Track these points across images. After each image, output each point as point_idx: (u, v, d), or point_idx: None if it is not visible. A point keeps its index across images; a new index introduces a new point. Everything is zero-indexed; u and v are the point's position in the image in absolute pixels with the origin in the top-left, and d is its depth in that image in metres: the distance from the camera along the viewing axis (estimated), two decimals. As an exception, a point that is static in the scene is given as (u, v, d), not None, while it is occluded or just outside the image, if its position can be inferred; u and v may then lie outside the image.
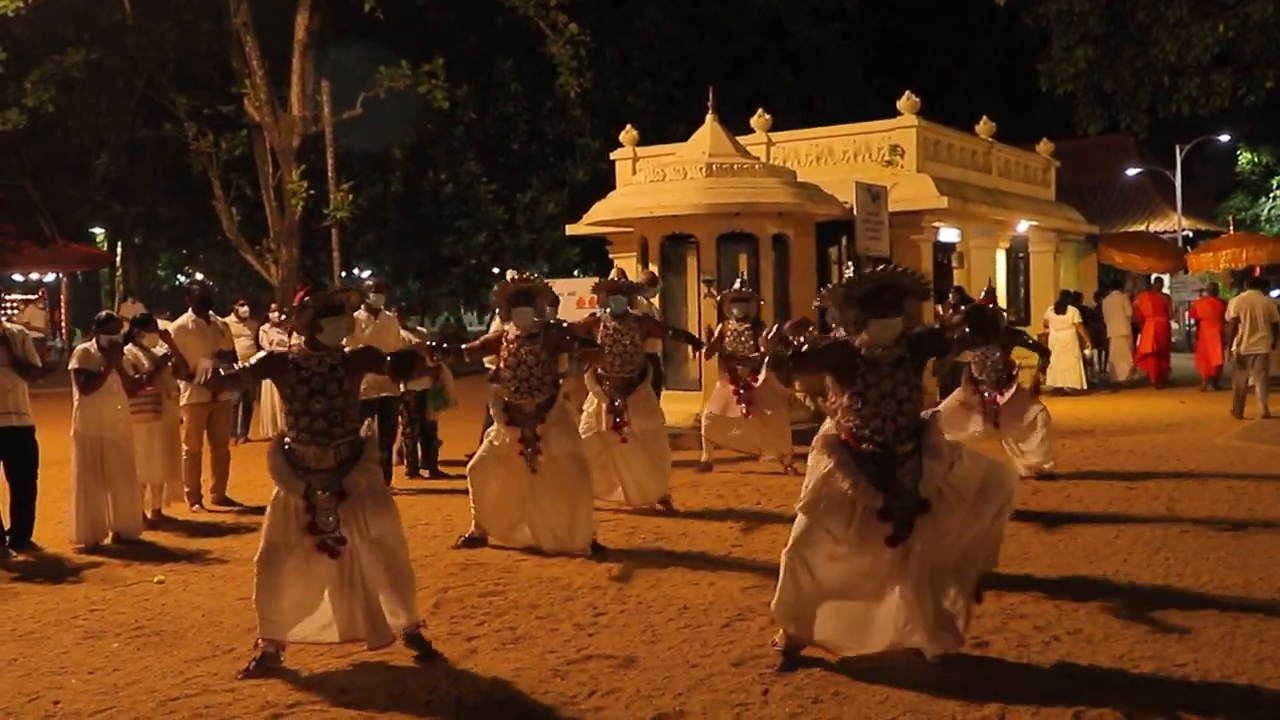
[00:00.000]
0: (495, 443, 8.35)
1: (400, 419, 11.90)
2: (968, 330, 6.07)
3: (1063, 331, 19.28)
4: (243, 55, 22.65)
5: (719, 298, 12.08)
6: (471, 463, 8.52)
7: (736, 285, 11.85)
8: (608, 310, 9.80)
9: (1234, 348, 15.76)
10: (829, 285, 6.64)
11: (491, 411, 8.48)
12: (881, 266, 5.70)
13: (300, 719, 5.13)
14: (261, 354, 6.21)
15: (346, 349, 6.03)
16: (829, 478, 5.52)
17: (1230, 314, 16.10)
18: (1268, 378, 15.60)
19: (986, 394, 10.31)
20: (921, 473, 5.47)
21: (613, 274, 11.05)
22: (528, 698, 5.32)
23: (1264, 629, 6.01)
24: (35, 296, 32.43)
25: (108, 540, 8.98)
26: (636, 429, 9.67)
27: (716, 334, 11.55)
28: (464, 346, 8.53)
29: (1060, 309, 19.58)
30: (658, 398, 12.65)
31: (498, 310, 8.93)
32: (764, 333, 6.96)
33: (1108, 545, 8.03)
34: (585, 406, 9.85)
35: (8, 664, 6.04)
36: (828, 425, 5.77)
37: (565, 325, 8.81)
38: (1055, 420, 10.99)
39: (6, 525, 8.82)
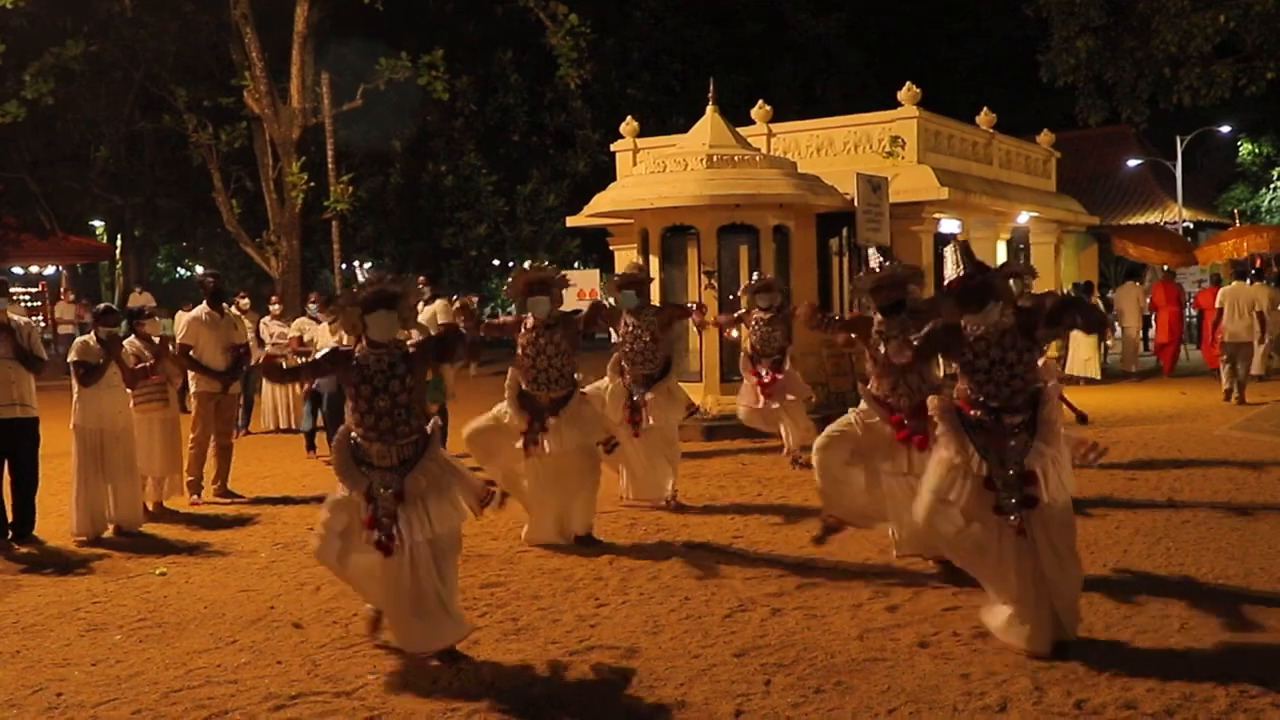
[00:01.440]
0: (504, 420, 8.24)
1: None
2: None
3: None
4: (242, 47, 22.65)
5: (739, 292, 12.05)
6: (470, 429, 8.38)
7: (756, 276, 11.80)
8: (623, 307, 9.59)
9: (1220, 337, 16.45)
10: (858, 276, 7.06)
11: (506, 396, 8.31)
12: (972, 271, 5.81)
13: (303, 710, 5.13)
14: (325, 350, 6.06)
15: (409, 344, 5.89)
16: (939, 445, 5.76)
17: (1216, 304, 16.79)
18: (1249, 366, 16.38)
19: None
20: (1029, 449, 5.58)
21: (629, 267, 10.94)
22: (530, 688, 5.32)
23: (1265, 619, 6.01)
24: (64, 290, 32.51)
25: (108, 533, 8.99)
26: (653, 424, 9.48)
27: (737, 317, 11.62)
28: (485, 322, 8.48)
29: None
30: None
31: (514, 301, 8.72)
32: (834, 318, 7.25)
33: (1109, 535, 8.04)
34: (601, 388, 9.68)
35: (11, 656, 6.05)
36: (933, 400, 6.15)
37: (577, 313, 8.67)
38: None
39: (8, 518, 8.82)
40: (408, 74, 22.89)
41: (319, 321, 13.75)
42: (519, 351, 8.22)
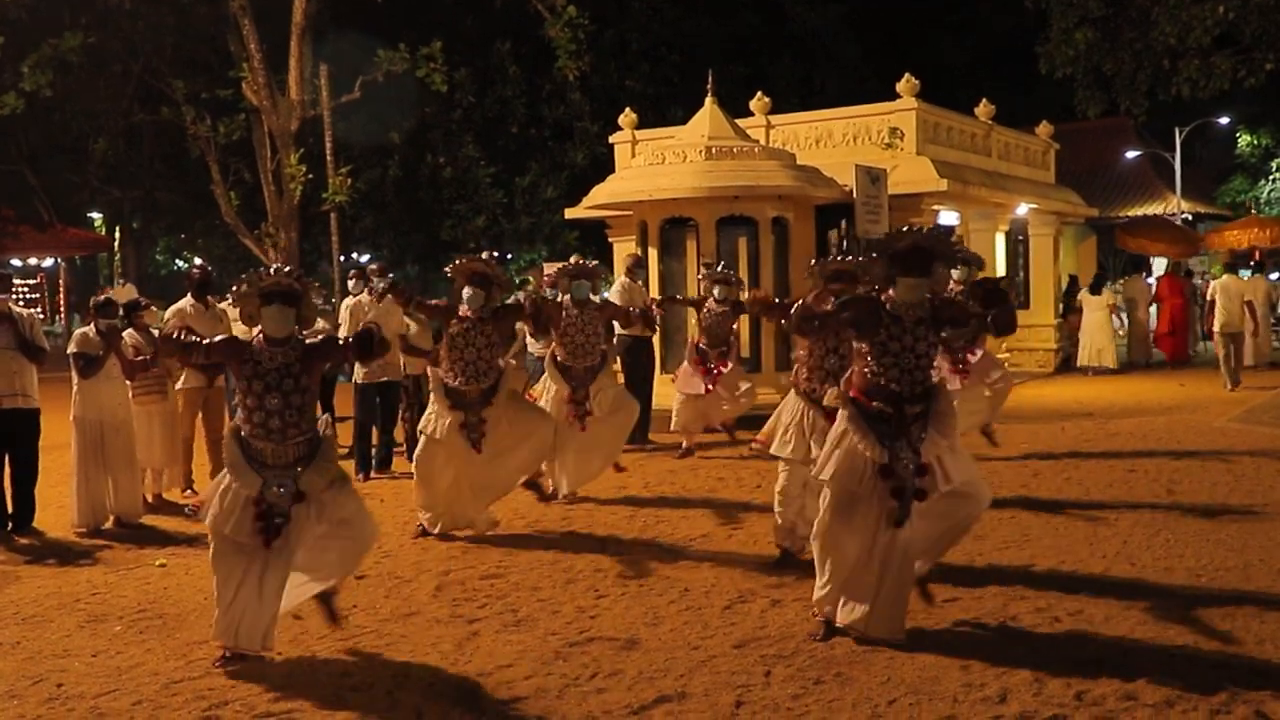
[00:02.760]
0: (435, 434, 8.12)
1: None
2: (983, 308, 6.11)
3: (1098, 312, 19.96)
4: (240, 39, 22.58)
5: (701, 276, 12.16)
6: (416, 454, 8.30)
7: (720, 268, 11.87)
8: (568, 296, 9.51)
9: (1215, 328, 17.20)
10: (818, 262, 6.97)
11: (431, 393, 8.24)
12: (918, 226, 5.82)
13: (302, 701, 5.14)
14: (221, 336, 5.92)
15: (308, 341, 5.74)
16: (842, 436, 5.70)
17: (1208, 295, 17.89)
18: (1242, 354, 17.40)
19: (958, 354, 10.27)
20: (925, 438, 5.62)
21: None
22: (530, 680, 5.33)
23: (1263, 609, 6.02)
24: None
25: (108, 524, 8.99)
26: (599, 416, 9.43)
27: (691, 300, 11.75)
28: (417, 299, 8.42)
29: (1095, 290, 20.27)
30: (650, 381, 12.73)
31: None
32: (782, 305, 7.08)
33: (1108, 527, 8.05)
34: (543, 394, 9.64)
35: (11, 647, 6.06)
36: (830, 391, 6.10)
37: (512, 305, 8.67)
38: (1058, 403, 11.01)
39: (8, 509, 8.83)
40: (406, 66, 22.81)
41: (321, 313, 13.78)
42: (445, 342, 8.14)
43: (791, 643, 5.69)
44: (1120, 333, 21.16)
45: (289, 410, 5.56)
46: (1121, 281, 23.93)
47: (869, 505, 5.63)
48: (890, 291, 5.71)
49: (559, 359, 9.52)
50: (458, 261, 8.22)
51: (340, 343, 6.01)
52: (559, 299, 9.60)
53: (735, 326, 11.81)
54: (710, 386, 11.56)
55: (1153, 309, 21.91)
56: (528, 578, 7.15)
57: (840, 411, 5.81)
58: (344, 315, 11.26)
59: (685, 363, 11.91)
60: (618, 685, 5.21)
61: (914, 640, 5.62)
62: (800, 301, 6.85)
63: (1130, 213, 32.66)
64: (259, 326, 5.64)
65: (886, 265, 5.71)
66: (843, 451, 5.65)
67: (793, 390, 7.30)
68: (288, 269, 5.72)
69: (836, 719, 4.77)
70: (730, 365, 11.62)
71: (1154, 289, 22.15)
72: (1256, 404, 14.65)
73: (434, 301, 8.55)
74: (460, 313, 8.10)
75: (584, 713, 4.91)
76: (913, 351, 5.66)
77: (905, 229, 5.85)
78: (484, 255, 8.34)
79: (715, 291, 11.47)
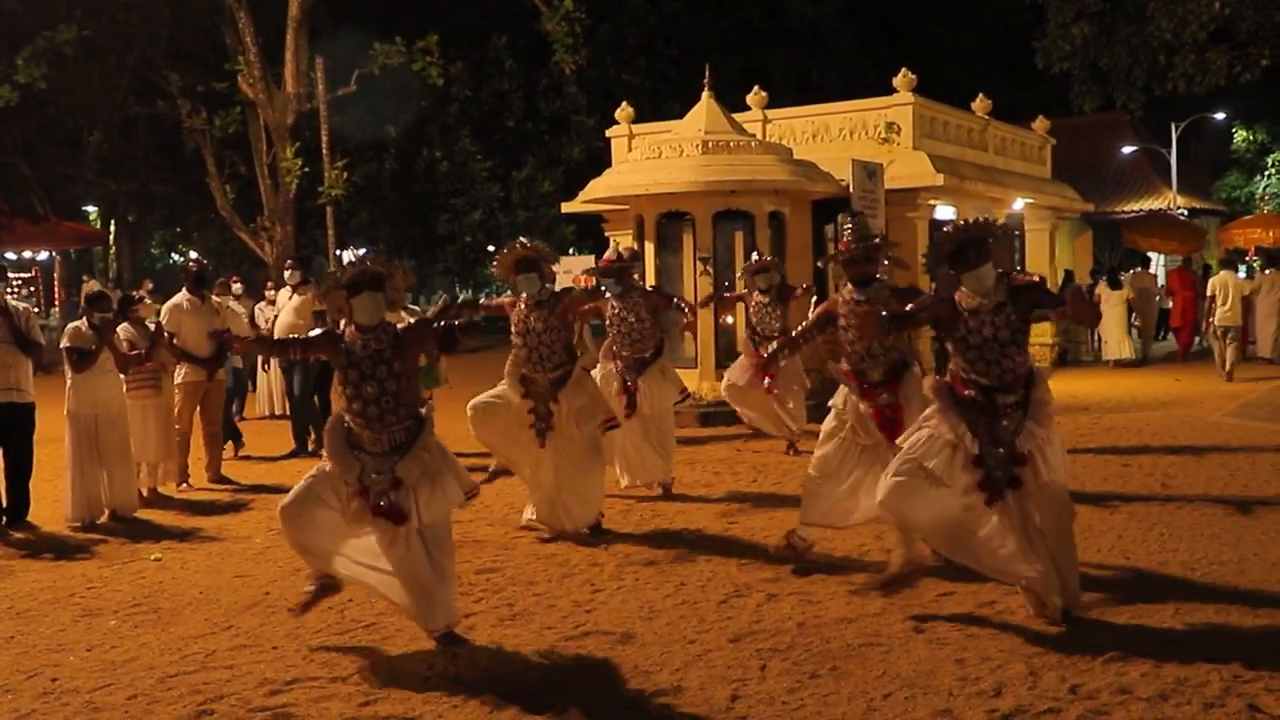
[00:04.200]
0: (503, 399, 8.08)
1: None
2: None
3: (1116, 307, 20.30)
4: (236, 32, 22.56)
5: (739, 274, 12.02)
6: (475, 402, 8.19)
7: (755, 257, 11.74)
8: (606, 293, 9.47)
9: (1212, 320, 17.84)
10: (834, 253, 6.97)
11: (506, 376, 8.14)
12: (961, 221, 5.81)
13: (298, 695, 5.13)
14: (319, 330, 5.93)
15: (399, 327, 5.74)
16: (929, 420, 5.72)
17: (1208, 291, 18.30)
18: (1238, 346, 17.99)
19: None
20: (1022, 429, 5.60)
21: (608, 253, 10.82)
22: (526, 674, 5.33)
23: (1258, 604, 6.03)
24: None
25: (103, 518, 8.98)
26: (646, 410, 9.39)
27: (734, 298, 11.60)
28: (480, 302, 8.39)
29: (1114, 283, 20.67)
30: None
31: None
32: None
33: (1103, 521, 8.06)
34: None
35: (5, 641, 6.05)
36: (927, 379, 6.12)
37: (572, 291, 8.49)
38: (1053, 398, 10.96)
39: (3, 503, 8.82)
40: (402, 59, 22.82)
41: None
42: (513, 332, 8.08)
43: (787, 637, 5.69)
44: (1136, 324, 21.66)
45: (385, 397, 5.55)
46: (1129, 274, 24.11)
47: (955, 493, 5.63)
48: (962, 290, 5.70)
49: (613, 349, 9.51)
50: (498, 259, 8.11)
51: (432, 326, 5.92)
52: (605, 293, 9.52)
53: (784, 315, 11.38)
54: (767, 385, 11.06)
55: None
56: (524, 572, 7.15)
57: (934, 401, 5.79)
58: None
59: (742, 355, 11.69)
60: (613, 679, 5.21)
61: (909, 634, 5.63)
62: (825, 305, 7.17)
63: (1126, 208, 32.68)
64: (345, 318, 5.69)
65: (945, 270, 5.73)
66: (928, 435, 5.67)
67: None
68: (372, 257, 5.80)
69: (832, 712, 4.77)
70: (785, 361, 11.31)
71: (1165, 283, 22.78)
72: (1251, 399, 14.67)
73: (497, 301, 8.48)
74: (520, 301, 8.01)
75: (580, 707, 4.91)
76: (996, 341, 5.62)
77: (945, 230, 5.82)
78: (522, 242, 8.19)
79: (759, 282, 11.34)
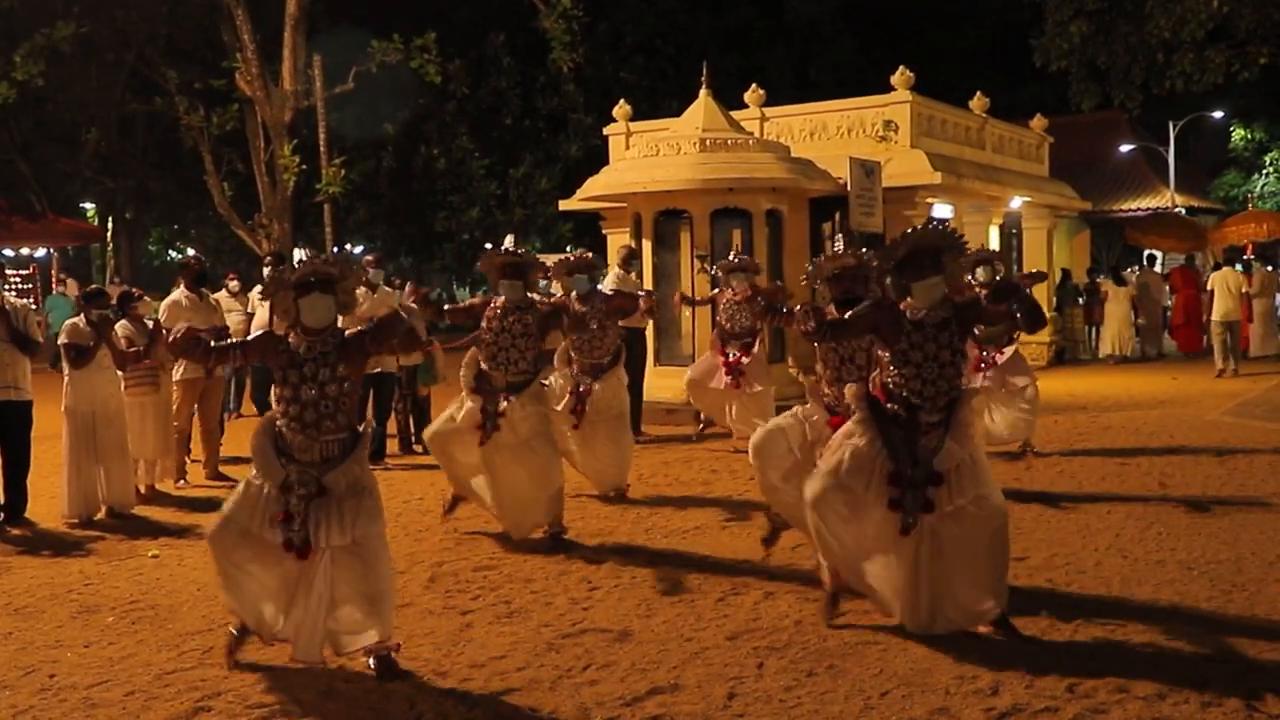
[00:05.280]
0: (457, 416, 7.89)
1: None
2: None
3: (1123, 303, 20.62)
4: (234, 29, 22.54)
5: (714, 269, 12.00)
6: (429, 432, 8.15)
7: (732, 256, 11.71)
8: (574, 293, 9.30)
9: (1215, 317, 18.15)
10: (817, 260, 6.62)
11: (461, 375, 7.98)
12: (913, 228, 5.59)
13: (298, 690, 5.13)
14: (259, 332, 5.67)
15: (345, 331, 5.43)
16: (851, 433, 5.55)
17: (1208, 287, 18.68)
18: (1237, 341, 18.45)
19: (986, 351, 10.05)
20: (942, 448, 5.43)
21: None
22: (523, 671, 5.33)
23: (1255, 602, 6.04)
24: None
25: (101, 515, 8.98)
26: (601, 414, 9.20)
27: (706, 299, 11.56)
28: (446, 308, 8.22)
29: (1119, 280, 21.04)
30: (642, 373, 12.67)
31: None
32: (790, 309, 6.79)
33: (1100, 520, 8.06)
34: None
35: (3, 638, 6.05)
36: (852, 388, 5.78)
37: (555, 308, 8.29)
38: (1051, 396, 11.01)
39: (1, 500, 8.81)
40: (400, 57, 22.80)
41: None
42: (483, 329, 7.91)
43: (784, 634, 5.69)
44: (1139, 321, 21.87)
45: (324, 402, 5.27)
46: (1134, 271, 24.32)
47: (871, 510, 5.46)
48: (908, 300, 5.51)
49: (570, 353, 9.34)
50: (487, 257, 8.00)
51: (386, 334, 5.51)
52: (558, 295, 9.39)
53: (757, 316, 11.38)
54: (729, 382, 11.19)
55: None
56: (521, 569, 7.15)
57: (855, 411, 5.61)
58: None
59: (709, 350, 11.68)
60: (610, 677, 5.21)
61: (906, 633, 5.63)
62: (803, 305, 6.63)
63: (1124, 207, 32.72)
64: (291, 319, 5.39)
65: (896, 277, 5.52)
66: (850, 450, 5.48)
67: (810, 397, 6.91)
68: (322, 255, 5.48)
69: (829, 710, 4.78)
70: (751, 357, 11.23)
71: (1168, 282, 22.93)
72: (1249, 398, 14.69)
73: (466, 304, 8.32)
74: (495, 304, 7.88)
75: (577, 704, 4.91)
76: (936, 360, 5.43)
77: (902, 234, 5.58)
78: (511, 248, 8.12)
79: (734, 281, 11.27)
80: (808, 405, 6.72)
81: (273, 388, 5.50)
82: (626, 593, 6.56)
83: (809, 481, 5.62)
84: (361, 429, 5.49)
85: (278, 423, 5.38)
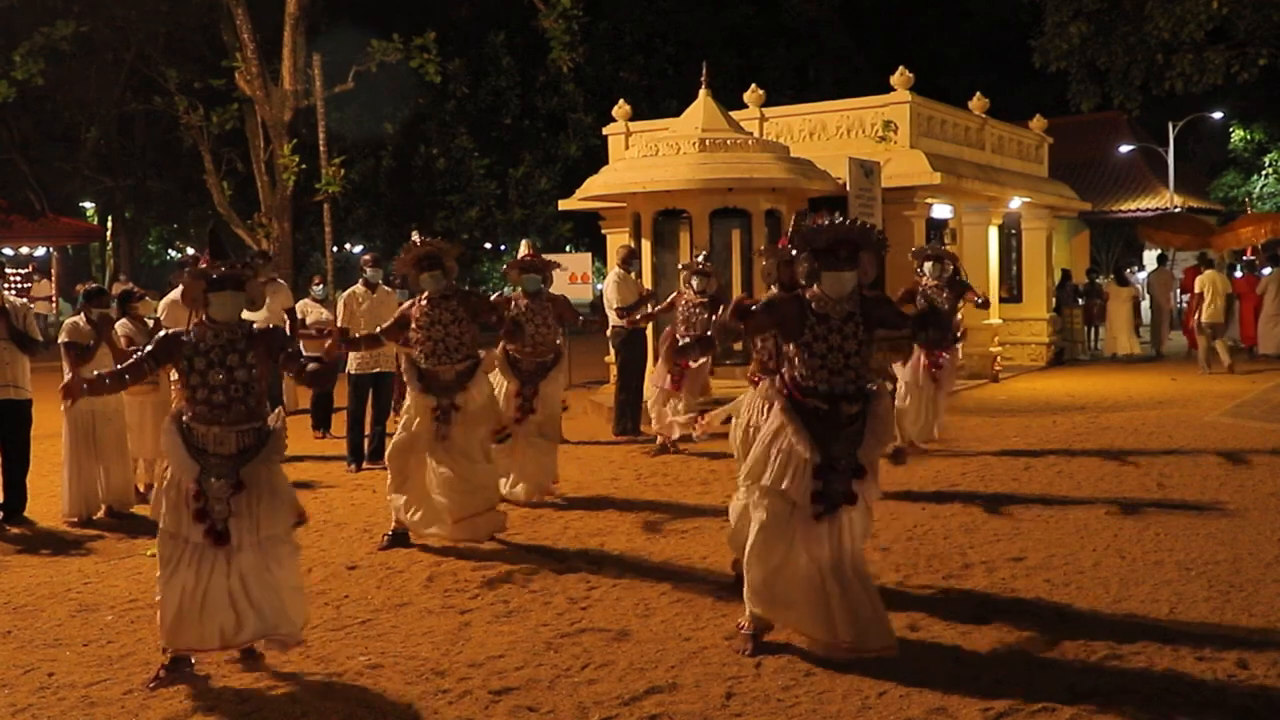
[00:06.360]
0: (412, 425, 7.81)
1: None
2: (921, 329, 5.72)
3: (1124, 304, 20.81)
4: (233, 28, 22.55)
5: (680, 267, 12.04)
6: (389, 452, 7.98)
7: (700, 259, 11.64)
8: (518, 289, 9.25)
9: (1200, 318, 18.27)
10: (771, 244, 6.57)
11: (405, 377, 7.94)
12: (840, 219, 5.50)
13: (296, 688, 5.14)
14: (158, 335, 5.51)
15: (255, 326, 5.43)
16: (777, 434, 5.43)
17: (1196, 289, 18.63)
18: (1225, 340, 18.68)
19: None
20: (862, 441, 5.38)
21: (522, 251, 10.54)
22: (521, 670, 5.33)
23: (1253, 604, 6.05)
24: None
25: (100, 514, 8.98)
26: (540, 415, 9.15)
27: (667, 303, 11.53)
28: (378, 331, 8.09)
29: (1122, 281, 21.15)
30: (643, 373, 12.69)
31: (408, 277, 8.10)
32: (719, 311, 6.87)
33: (1099, 521, 8.07)
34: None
35: (2, 636, 6.06)
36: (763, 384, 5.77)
37: (484, 294, 8.31)
38: (1049, 397, 11.01)
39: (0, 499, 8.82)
40: (399, 56, 22.82)
41: (321, 302, 13.87)
42: (414, 328, 7.83)
43: (782, 634, 5.69)
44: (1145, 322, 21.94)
45: (234, 385, 5.24)
46: (1134, 271, 24.47)
47: (802, 511, 5.34)
48: (816, 288, 5.44)
49: (510, 353, 9.21)
50: (401, 255, 7.92)
51: (287, 347, 5.52)
52: (511, 292, 9.33)
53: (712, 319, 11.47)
54: (674, 384, 11.19)
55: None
56: (520, 569, 7.15)
57: (775, 409, 5.51)
58: (340, 307, 11.26)
59: (659, 363, 11.59)
60: (609, 676, 5.22)
61: (904, 633, 5.63)
62: (738, 299, 6.51)
63: (1124, 207, 32.75)
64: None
65: (809, 260, 5.43)
66: (782, 454, 5.36)
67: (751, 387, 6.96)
68: (249, 256, 5.50)
69: (827, 710, 4.78)
70: (698, 364, 11.15)
71: (1180, 281, 23.32)
72: (1247, 399, 14.69)
73: (391, 321, 8.10)
74: (421, 299, 7.83)
75: (575, 703, 4.92)
76: (841, 350, 5.35)
77: (827, 222, 5.46)
78: (421, 239, 8.00)
79: (694, 283, 11.18)
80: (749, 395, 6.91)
81: (177, 381, 5.39)
82: (625, 592, 6.57)
83: (753, 507, 5.50)
84: (273, 424, 5.42)
85: (184, 417, 5.33)
